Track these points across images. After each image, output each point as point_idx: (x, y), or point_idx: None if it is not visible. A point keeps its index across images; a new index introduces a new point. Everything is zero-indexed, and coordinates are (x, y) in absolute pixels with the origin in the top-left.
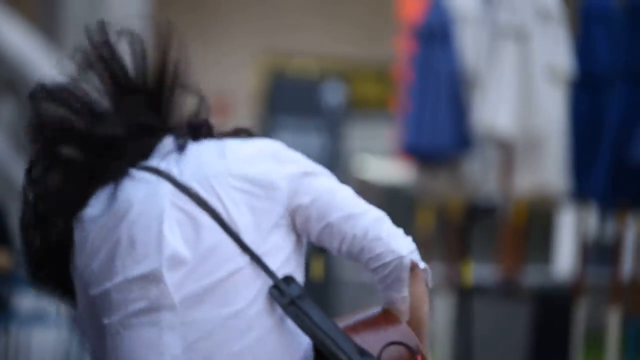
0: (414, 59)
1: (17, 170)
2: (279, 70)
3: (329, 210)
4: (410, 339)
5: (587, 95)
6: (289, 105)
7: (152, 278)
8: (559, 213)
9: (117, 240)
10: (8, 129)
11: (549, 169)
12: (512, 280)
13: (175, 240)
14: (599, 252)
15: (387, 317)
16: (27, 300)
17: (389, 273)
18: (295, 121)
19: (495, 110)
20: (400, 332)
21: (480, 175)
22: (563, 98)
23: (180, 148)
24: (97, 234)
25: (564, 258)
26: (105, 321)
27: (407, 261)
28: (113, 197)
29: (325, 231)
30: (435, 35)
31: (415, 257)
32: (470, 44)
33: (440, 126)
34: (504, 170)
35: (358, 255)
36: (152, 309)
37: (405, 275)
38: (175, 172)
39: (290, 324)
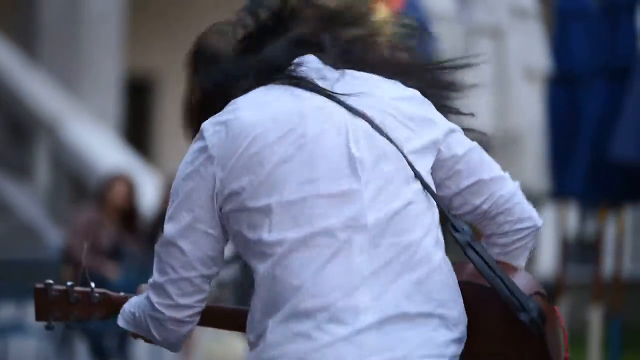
0: None
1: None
2: None
3: (481, 168)
4: (542, 289)
5: (565, 93)
6: None
7: (350, 197)
8: (539, 212)
9: (293, 153)
10: None
11: (527, 168)
12: None
13: (366, 162)
14: (580, 250)
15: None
16: (6, 311)
17: (519, 239)
18: None
19: (470, 108)
20: (535, 282)
21: None
22: (540, 96)
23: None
24: (262, 141)
25: (546, 257)
26: (286, 235)
27: (538, 232)
28: (273, 107)
29: (472, 187)
30: None
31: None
32: (445, 42)
33: None
34: None
35: (495, 216)
36: (344, 227)
37: (532, 245)
38: (343, 97)
39: (448, 263)
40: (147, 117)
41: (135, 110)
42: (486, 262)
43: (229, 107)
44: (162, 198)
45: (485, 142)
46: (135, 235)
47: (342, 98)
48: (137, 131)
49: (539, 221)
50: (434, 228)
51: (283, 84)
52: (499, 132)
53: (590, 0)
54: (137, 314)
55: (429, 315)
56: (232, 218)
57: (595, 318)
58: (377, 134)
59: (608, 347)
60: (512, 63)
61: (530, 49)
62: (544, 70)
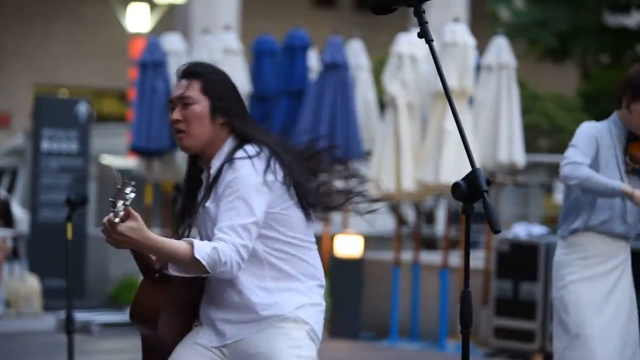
0: (137, 82)
1: None
2: (46, 95)
3: None
4: None
5: (260, 106)
6: (51, 120)
7: None
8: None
9: None
10: None
11: None
12: None
13: None
14: None
15: None
16: None
17: None
18: (56, 131)
19: None
20: None
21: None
22: None
23: None
24: None
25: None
26: None
27: None
28: None
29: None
30: (152, 65)
31: None
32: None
33: (155, 130)
34: None
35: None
36: None
37: None
38: None
39: None
40: None
41: None
42: None
43: None
44: None
45: None
46: None
47: None
48: None
49: None
50: None
51: None
52: None
53: (276, 43)
54: (218, 257)
55: None
56: None
57: None
58: None
59: None
60: None
61: (236, 76)
62: (245, 91)
